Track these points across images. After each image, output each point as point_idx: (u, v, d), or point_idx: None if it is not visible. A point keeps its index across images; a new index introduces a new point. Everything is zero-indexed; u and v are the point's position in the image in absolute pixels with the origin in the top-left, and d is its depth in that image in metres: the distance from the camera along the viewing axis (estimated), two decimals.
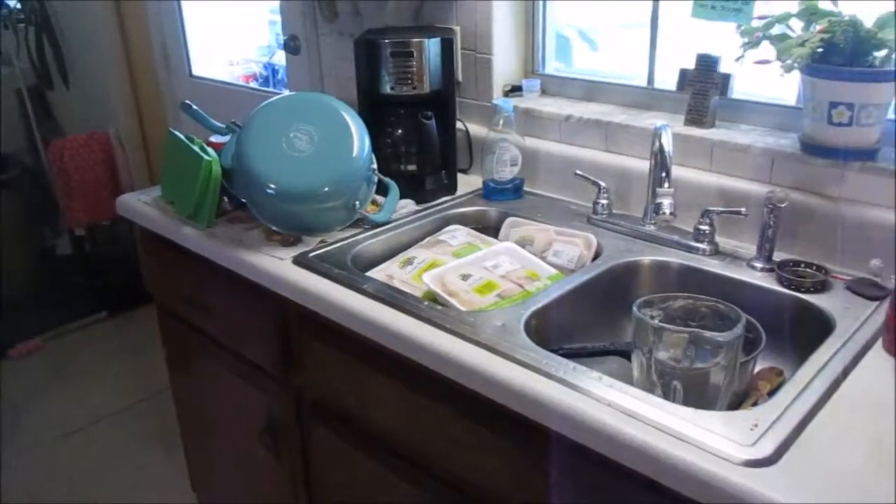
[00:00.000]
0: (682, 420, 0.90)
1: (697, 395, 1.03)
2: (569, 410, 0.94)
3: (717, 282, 1.28)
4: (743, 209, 1.31)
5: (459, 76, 1.78)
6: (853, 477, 0.80)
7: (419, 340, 1.11)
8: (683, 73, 1.48)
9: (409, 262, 1.39)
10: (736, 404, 1.09)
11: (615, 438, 0.89)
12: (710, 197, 1.40)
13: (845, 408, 0.92)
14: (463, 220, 1.58)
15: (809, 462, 0.83)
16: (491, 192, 1.64)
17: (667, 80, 1.57)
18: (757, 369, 1.16)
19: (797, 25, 1.26)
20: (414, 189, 1.62)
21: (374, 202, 1.55)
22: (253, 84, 2.94)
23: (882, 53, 1.19)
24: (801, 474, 0.81)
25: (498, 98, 1.71)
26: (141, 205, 1.68)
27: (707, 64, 1.45)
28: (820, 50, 1.21)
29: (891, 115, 1.26)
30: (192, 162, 1.51)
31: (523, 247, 1.43)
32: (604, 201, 1.50)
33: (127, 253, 3.38)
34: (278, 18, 2.36)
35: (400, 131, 1.64)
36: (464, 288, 1.27)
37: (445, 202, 1.64)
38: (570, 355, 1.11)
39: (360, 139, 1.43)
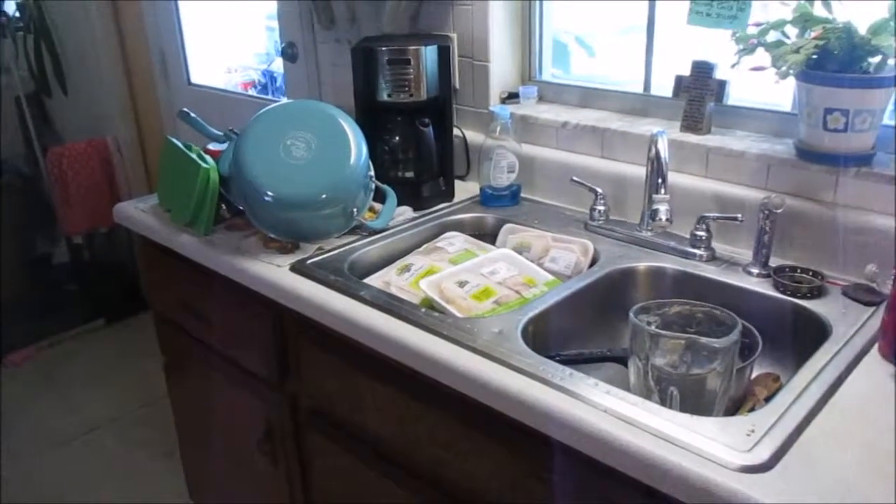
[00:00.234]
0: (678, 426, 0.90)
1: (694, 400, 1.03)
2: (565, 416, 0.94)
3: (714, 288, 1.29)
4: (739, 215, 1.32)
5: (457, 83, 1.78)
6: (850, 482, 0.80)
7: (416, 347, 1.11)
8: (679, 80, 1.49)
9: (407, 268, 1.40)
10: (733, 410, 1.09)
11: (611, 444, 0.89)
12: (707, 203, 1.41)
13: (842, 413, 0.92)
14: (460, 226, 1.59)
15: (806, 467, 0.83)
16: (488, 198, 1.64)
17: (663, 86, 1.57)
18: (753, 375, 1.16)
19: (792, 32, 1.27)
20: (411, 196, 1.62)
21: (371, 209, 1.55)
22: (251, 91, 2.94)
23: (876, 59, 1.20)
24: (798, 480, 0.81)
25: (495, 105, 1.72)
26: (138, 212, 1.68)
27: (703, 70, 1.45)
28: (815, 56, 1.21)
29: (886, 121, 1.27)
30: (190, 169, 1.51)
31: (520, 253, 1.44)
32: (600, 207, 1.50)
33: (124, 260, 3.38)
34: (276, 25, 2.36)
35: (397, 138, 1.64)
36: (461, 294, 1.28)
37: (443, 209, 1.64)
38: (567, 361, 1.11)
39: (357, 146, 1.43)
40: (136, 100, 3.16)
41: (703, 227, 1.35)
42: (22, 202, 3.32)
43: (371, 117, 1.63)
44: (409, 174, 1.65)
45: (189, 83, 2.87)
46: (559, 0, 1.76)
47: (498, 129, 1.60)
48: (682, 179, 1.44)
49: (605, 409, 0.94)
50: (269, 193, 1.38)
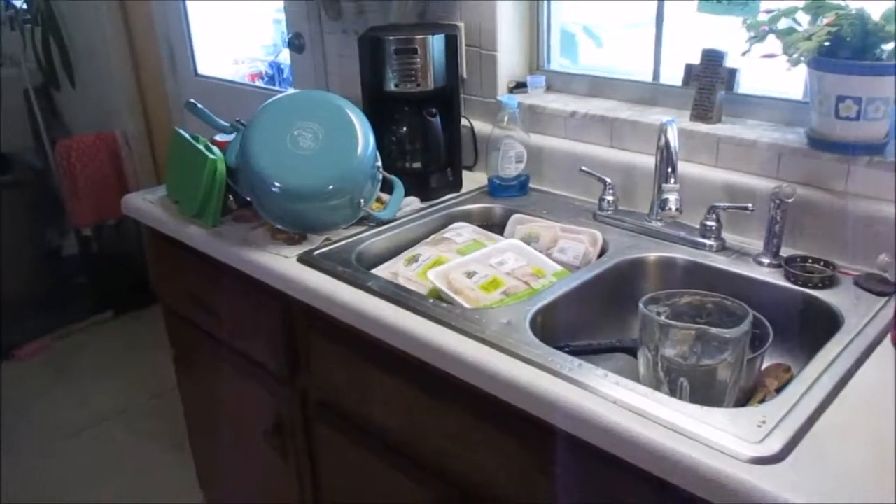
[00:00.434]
0: (688, 417, 0.89)
1: (704, 391, 1.02)
2: (574, 407, 0.93)
3: (724, 278, 1.28)
4: (749, 205, 1.30)
5: (464, 73, 1.77)
6: (862, 474, 0.80)
7: (424, 338, 1.11)
8: (689, 68, 1.47)
9: (414, 259, 1.39)
10: (743, 401, 1.08)
11: (621, 436, 0.89)
12: (717, 192, 1.39)
13: (854, 404, 0.92)
14: (468, 217, 1.58)
15: (818, 459, 0.82)
16: (496, 188, 1.63)
17: (672, 76, 1.56)
18: (764, 366, 1.15)
19: (804, 19, 1.25)
20: (419, 186, 1.61)
21: (378, 200, 1.55)
22: (259, 83, 2.94)
23: (890, 46, 1.18)
24: (810, 472, 0.80)
25: (502, 94, 1.70)
26: (146, 204, 1.68)
27: (713, 59, 1.44)
28: (827, 43, 1.19)
29: None
30: (198, 161, 1.51)
31: (529, 244, 1.43)
32: (609, 197, 1.49)
33: (133, 253, 3.38)
34: (283, 17, 2.36)
35: (405, 129, 1.64)
36: (469, 285, 1.27)
37: (450, 199, 1.64)
38: (576, 352, 1.10)
39: (364, 137, 1.43)
40: (144, 92, 3.16)
41: (714, 216, 1.34)
42: (32, 195, 3.33)
43: (378, 107, 1.62)
44: (417, 165, 1.64)
45: (196, 74, 2.86)
46: None
47: (506, 118, 1.59)
48: (692, 169, 1.43)
49: (614, 400, 0.93)
50: (277, 184, 1.37)
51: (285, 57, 2.65)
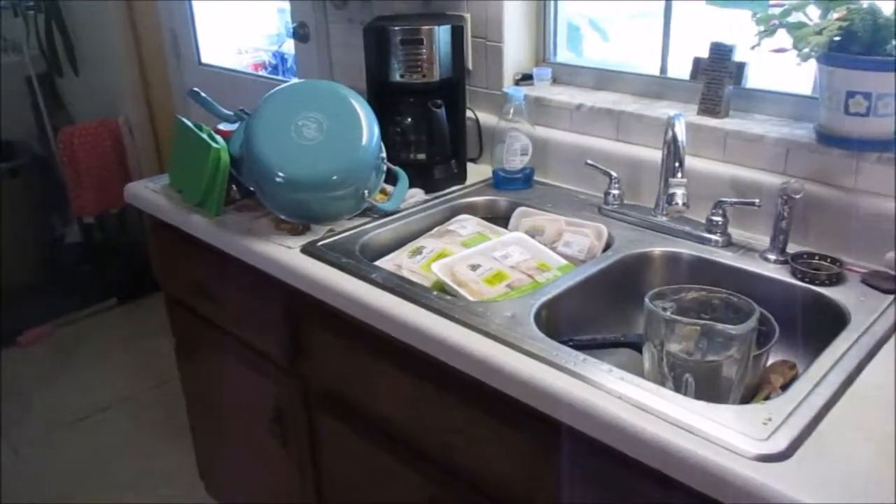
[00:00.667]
0: (693, 413, 0.88)
1: (709, 388, 1.01)
2: (578, 402, 0.93)
3: (730, 274, 1.27)
4: (756, 200, 1.29)
5: (470, 64, 1.76)
6: (869, 473, 0.79)
7: (427, 330, 1.10)
8: (697, 62, 1.46)
9: (418, 251, 1.38)
10: (748, 398, 1.07)
11: (625, 431, 0.88)
12: (723, 187, 1.38)
13: (860, 402, 0.91)
14: (472, 209, 1.57)
15: (824, 457, 0.81)
16: (501, 181, 1.62)
17: (679, 70, 1.55)
18: (770, 363, 1.14)
19: (814, 13, 1.24)
20: (423, 178, 1.61)
21: (382, 191, 1.54)
22: (262, 73, 2.93)
23: None
24: (816, 470, 0.79)
25: (508, 86, 1.69)
26: (149, 192, 1.68)
27: (721, 52, 1.43)
28: (837, 38, 1.18)
29: None
30: (201, 150, 1.50)
31: (533, 237, 1.42)
32: (615, 191, 1.48)
33: (136, 241, 3.38)
34: (287, 6, 2.34)
35: (409, 120, 1.62)
36: (473, 278, 1.26)
37: (455, 191, 1.63)
38: (581, 347, 1.10)
39: (369, 127, 1.42)
40: (148, 80, 3.15)
41: (720, 212, 1.33)
42: (35, 183, 3.33)
43: (383, 98, 1.61)
44: (421, 156, 1.63)
45: (200, 63, 2.85)
46: None
47: (511, 111, 1.58)
48: (699, 163, 1.42)
49: (619, 395, 0.93)
50: (280, 174, 1.36)
51: (289, 47, 2.64)
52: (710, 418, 0.87)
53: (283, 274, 1.35)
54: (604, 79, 1.70)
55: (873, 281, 1.18)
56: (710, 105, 1.44)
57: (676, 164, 1.29)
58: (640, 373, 1.04)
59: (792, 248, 1.26)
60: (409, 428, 1.26)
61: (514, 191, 1.61)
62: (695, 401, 0.92)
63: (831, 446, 0.83)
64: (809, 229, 1.30)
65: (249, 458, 1.77)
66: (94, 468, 2.37)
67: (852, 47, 1.18)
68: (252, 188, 1.48)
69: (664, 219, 1.41)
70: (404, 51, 1.54)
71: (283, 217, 1.45)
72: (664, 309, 1.07)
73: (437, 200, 1.58)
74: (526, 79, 1.74)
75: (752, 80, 1.44)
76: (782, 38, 1.26)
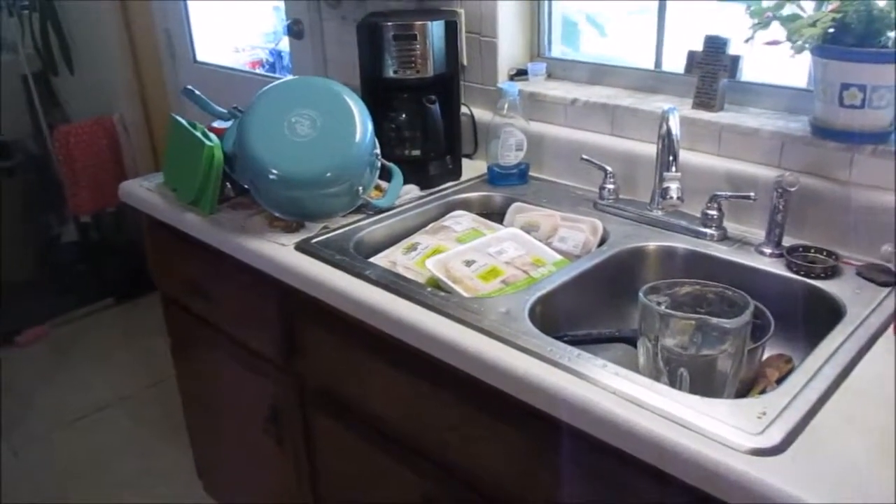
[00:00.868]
0: (688, 408, 0.88)
1: (704, 382, 1.01)
2: (572, 398, 0.92)
3: (726, 267, 1.26)
4: (752, 194, 1.29)
5: (464, 60, 1.76)
6: (863, 466, 0.79)
7: (421, 327, 1.10)
8: (691, 56, 1.46)
9: (413, 248, 1.38)
10: (743, 392, 1.07)
11: (619, 427, 0.88)
12: (719, 181, 1.38)
13: (855, 396, 0.91)
14: (467, 205, 1.57)
15: (818, 451, 0.81)
16: (496, 177, 1.62)
17: (675, 65, 1.54)
18: (765, 356, 1.14)
19: (808, 5, 1.23)
20: (418, 174, 1.60)
21: (377, 187, 1.54)
22: (259, 70, 2.92)
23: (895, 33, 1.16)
24: (810, 464, 0.79)
25: (503, 82, 1.69)
26: (144, 191, 1.67)
27: (715, 46, 1.42)
28: (831, 30, 1.18)
29: None
30: (194, 148, 1.49)
31: (528, 232, 1.42)
32: (610, 186, 1.48)
33: (133, 240, 3.37)
34: (283, 4, 2.33)
35: (404, 116, 1.62)
36: (468, 274, 1.26)
37: (450, 188, 1.62)
38: (576, 342, 1.09)
39: (362, 124, 1.41)
40: (142, 78, 3.14)
41: (715, 206, 1.33)
42: (31, 182, 3.31)
43: (377, 94, 1.60)
44: (416, 152, 1.63)
45: (195, 61, 2.84)
46: None
47: (506, 106, 1.57)
48: (694, 157, 1.41)
49: (613, 390, 0.92)
50: (274, 171, 1.36)
51: (286, 44, 2.62)
52: (704, 413, 0.87)
53: (277, 271, 1.34)
54: (599, 73, 1.69)
55: (869, 273, 1.18)
56: (705, 99, 1.44)
57: (671, 159, 1.29)
58: (635, 368, 1.04)
59: (787, 242, 1.26)
60: (404, 425, 1.25)
61: (510, 186, 1.60)
62: (689, 395, 0.91)
63: (826, 440, 0.83)
64: (805, 222, 1.29)
65: (246, 456, 1.77)
66: (93, 467, 2.36)
67: (846, 39, 1.18)
68: (246, 186, 1.47)
69: (659, 213, 1.40)
70: (397, 46, 1.54)
71: (277, 214, 1.44)
72: (658, 303, 1.06)
73: (431, 196, 1.58)
74: (520, 74, 1.73)
75: (747, 73, 1.43)
76: (777, 30, 1.25)
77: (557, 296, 1.21)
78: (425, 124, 1.59)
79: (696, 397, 0.90)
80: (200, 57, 2.84)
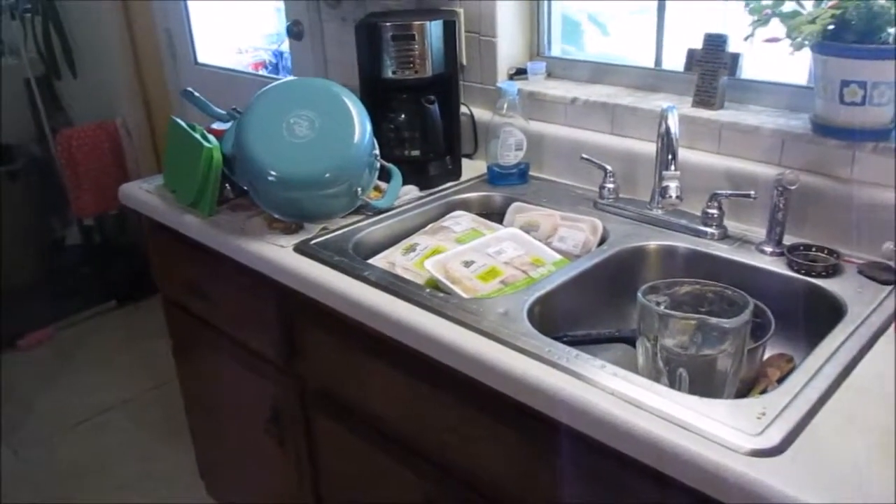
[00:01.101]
0: (686, 409, 0.87)
1: (704, 382, 1.00)
2: (570, 399, 0.92)
3: (726, 266, 1.26)
4: (752, 192, 1.28)
5: (464, 59, 1.75)
6: (864, 467, 0.78)
7: (419, 328, 1.10)
8: (691, 54, 1.45)
9: (412, 248, 1.37)
10: (744, 392, 1.06)
11: (618, 428, 0.87)
12: (719, 180, 1.37)
13: (856, 395, 0.90)
14: (467, 205, 1.56)
15: (818, 452, 0.80)
16: (496, 177, 1.61)
17: (676, 63, 1.53)
18: (766, 356, 1.13)
19: (808, 2, 1.22)
20: (417, 175, 1.60)
21: (376, 188, 1.53)
22: (262, 72, 2.92)
23: None
24: (810, 464, 0.78)
25: (502, 81, 1.68)
26: (144, 193, 1.67)
27: (715, 43, 1.41)
28: (831, 27, 1.17)
29: None
30: (194, 149, 1.49)
31: (528, 232, 1.41)
32: (610, 185, 1.47)
33: (135, 242, 3.38)
34: (283, 5, 2.33)
35: (403, 116, 1.61)
36: (466, 275, 1.25)
37: (449, 188, 1.62)
38: (575, 342, 1.09)
39: (361, 124, 1.41)
40: (144, 80, 3.15)
41: (716, 204, 1.32)
42: (35, 185, 3.32)
43: (376, 95, 1.60)
44: (416, 153, 1.62)
45: (196, 63, 2.84)
46: None
47: (505, 105, 1.57)
48: (694, 156, 1.41)
49: (612, 391, 0.92)
50: (273, 173, 1.36)
51: (288, 45, 2.62)
52: (703, 413, 0.86)
53: (276, 273, 1.34)
54: (599, 72, 1.68)
55: (870, 272, 1.17)
56: (705, 97, 1.43)
57: (670, 157, 1.28)
58: (634, 368, 1.03)
59: (788, 240, 1.25)
60: (404, 426, 1.25)
61: (510, 186, 1.60)
62: (688, 396, 0.91)
63: (826, 440, 0.82)
64: (806, 221, 1.28)
65: (248, 458, 1.76)
66: (95, 470, 2.37)
67: (846, 36, 1.17)
68: (245, 187, 1.47)
69: (659, 212, 1.40)
70: (396, 47, 1.53)
71: (276, 216, 1.44)
72: (658, 304, 1.06)
73: (431, 197, 1.57)
74: (520, 73, 1.72)
75: (748, 71, 1.43)
76: (776, 27, 1.24)
77: (557, 296, 1.20)
78: (424, 124, 1.58)
79: (695, 398, 0.90)
80: (203, 58, 2.84)
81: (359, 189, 1.43)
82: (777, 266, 1.22)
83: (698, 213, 1.34)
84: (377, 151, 1.47)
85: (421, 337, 1.10)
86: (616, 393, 0.91)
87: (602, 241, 1.36)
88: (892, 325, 1.03)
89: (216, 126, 1.62)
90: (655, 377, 1.01)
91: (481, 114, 1.73)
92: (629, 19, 1.77)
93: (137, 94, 3.16)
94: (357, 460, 1.39)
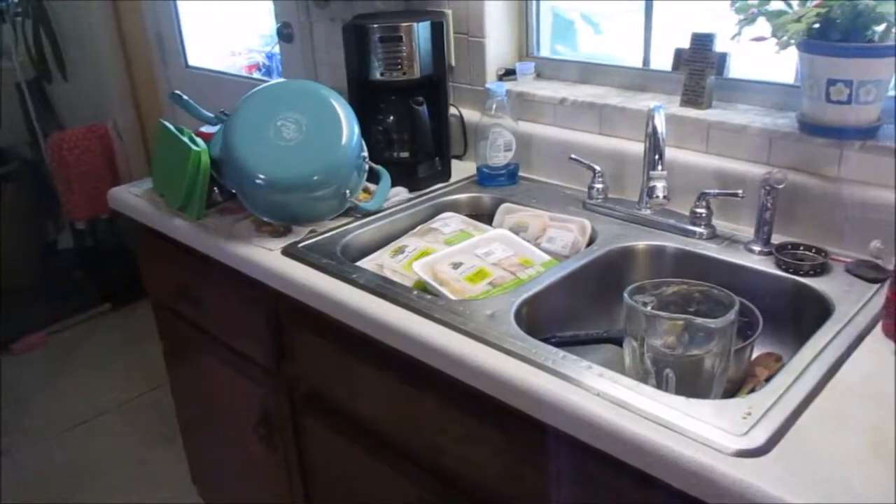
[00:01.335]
0: (672, 409, 0.87)
1: (691, 383, 1.00)
2: (556, 400, 0.92)
3: (714, 266, 1.26)
4: (740, 191, 1.28)
5: (452, 60, 1.75)
6: (849, 467, 0.78)
7: (407, 331, 1.09)
8: (679, 53, 1.45)
9: (401, 250, 1.37)
10: (733, 391, 1.06)
11: (603, 429, 0.87)
12: (707, 179, 1.37)
13: (842, 394, 0.90)
14: (456, 207, 1.56)
15: (804, 452, 0.80)
16: (485, 178, 1.61)
17: (666, 63, 1.53)
18: (755, 355, 1.13)
19: (794, 1, 1.22)
20: (407, 176, 1.59)
21: (365, 190, 1.53)
22: (256, 74, 2.91)
23: (881, 28, 1.15)
24: (795, 464, 0.78)
25: (491, 82, 1.68)
26: (132, 197, 1.67)
27: (702, 43, 1.41)
28: (817, 25, 1.17)
29: (891, 92, 1.22)
30: (181, 153, 1.49)
31: (517, 233, 1.41)
32: (599, 185, 1.47)
33: (128, 245, 3.37)
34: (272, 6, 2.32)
35: (392, 118, 1.61)
36: (455, 276, 1.25)
37: (439, 189, 1.61)
38: (562, 344, 1.09)
39: (349, 126, 1.41)
40: (135, 84, 3.14)
41: (704, 204, 1.32)
42: (27, 189, 3.31)
43: (364, 97, 1.60)
44: (404, 154, 1.62)
45: (187, 66, 2.84)
46: None
47: (494, 106, 1.56)
48: (683, 155, 1.41)
49: (597, 392, 0.91)
50: (260, 176, 1.35)
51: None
52: (688, 414, 0.86)
53: (264, 276, 1.33)
54: (588, 72, 1.68)
55: (858, 270, 1.17)
56: (693, 96, 1.43)
57: (657, 157, 1.28)
58: (623, 369, 1.03)
59: (776, 239, 1.25)
60: (393, 430, 1.24)
61: (499, 187, 1.60)
62: (674, 396, 0.90)
63: (811, 440, 0.82)
64: (794, 220, 1.28)
65: (239, 461, 1.76)
66: (90, 473, 2.36)
67: (832, 34, 1.17)
68: (233, 190, 1.47)
69: (648, 212, 1.39)
70: (384, 48, 1.53)
71: (264, 219, 1.43)
72: (645, 304, 1.05)
73: (420, 199, 1.57)
74: (509, 74, 1.72)
75: (735, 70, 1.43)
76: (763, 26, 1.24)
77: (545, 297, 1.20)
78: (413, 126, 1.58)
79: (681, 398, 0.89)
80: (196, 61, 2.83)
81: (347, 191, 1.42)
82: (765, 265, 1.22)
83: (687, 213, 1.34)
84: (365, 153, 1.47)
85: (407, 339, 1.09)
86: (602, 394, 0.91)
87: (591, 242, 1.36)
88: (879, 324, 1.03)
89: (204, 129, 1.61)
90: (643, 378, 1.01)
91: (470, 115, 1.73)
92: (623, 18, 1.76)
93: (128, 97, 3.15)
94: (346, 463, 1.39)
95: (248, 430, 1.58)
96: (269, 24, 2.86)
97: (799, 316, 1.16)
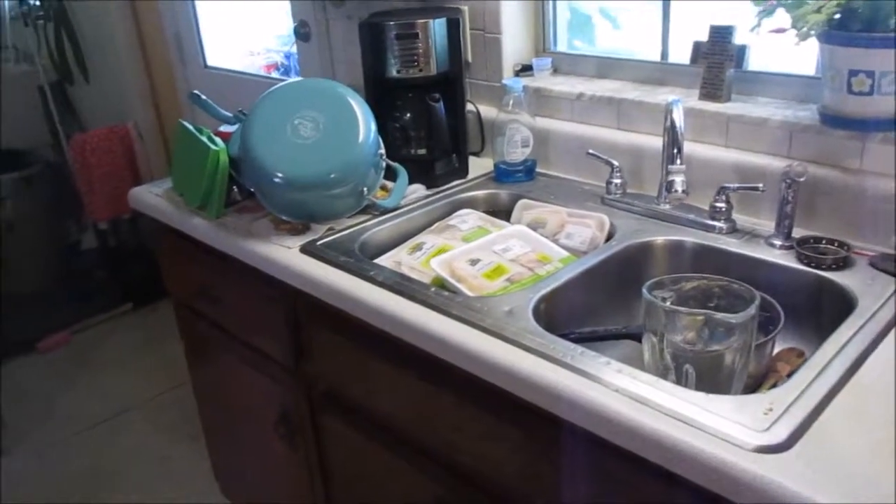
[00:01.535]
0: (692, 405, 0.87)
1: (711, 378, 0.99)
2: (575, 397, 0.91)
3: (735, 261, 1.24)
4: (760, 185, 1.27)
5: (468, 57, 1.74)
6: (872, 463, 0.77)
7: (424, 327, 1.09)
8: (697, 46, 1.43)
9: (418, 247, 1.37)
10: (754, 387, 1.05)
11: (622, 425, 0.87)
12: (727, 173, 1.36)
13: (865, 390, 0.88)
14: (474, 203, 1.55)
15: (826, 448, 0.79)
16: (502, 174, 1.61)
17: (684, 56, 1.51)
18: (777, 350, 1.12)
19: None
20: (424, 174, 1.59)
21: (383, 188, 1.53)
22: (274, 74, 2.92)
23: None
24: (817, 460, 0.77)
25: (508, 78, 1.67)
26: (152, 197, 1.68)
27: (721, 35, 1.40)
28: (837, 16, 1.15)
29: None
30: (201, 152, 1.50)
31: (535, 229, 1.40)
32: (617, 181, 1.46)
33: (149, 245, 3.40)
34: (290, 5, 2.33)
35: (408, 115, 1.61)
36: (472, 273, 1.25)
37: (456, 186, 1.61)
38: (581, 340, 1.08)
39: (366, 124, 1.41)
40: (155, 84, 3.17)
41: (723, 198, 1.31)
42: (50, 190, 3.36)
43: (381, 94, 1.60)
44: (422, 151, 1.62)
45: (205, 66, 2.86)
46: None
47: (511, 102, 1.56)
48: (702, 149, 1.39)
49: (616, 388, 0.91)
50: (278, 175, 1.36)
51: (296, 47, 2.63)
52: (709, 410, 0.86)
53: (282, 274, 1.34)
54: (605, 67, 1.67)
55: (882, 264, 1.15)
56: (712, 89, 1.41)
57: (675, 151, 1.27)
58: (642, 365, 1.02)
59: (798, 233, 1.24)
60: (412, 426, 1.25)
61: (516, 183, 1.59)
62: (694, 392, 0.90)
63: (832, 437, 0.81)
64: (815, 213, 1.27)
65: (260, 459, 1.77)
66: (113, 471, 2.39)
67: (853, 25, 1.15)
68: (252, 189, 1.47)
69: (667, 207, 1.38)
70: (400, 45, 1.53)
71: (283, 217, 1.44)
72: (664, 299, 1.05)
73: (437, 195, 1.57)
74: (526, 69, 1.71)
75: (754, 62, 1.41)
76: (782, 18, 1.23)
77: (563, 293, 1.19)
78: (430, 123, 1.58)
79: (701, 394, 0.89)
80: (215, 61, 2.85)
81: (365, 189, 1.43)
82: (786, 259, 1.20)
83: (706, 207, 1.33)
84: (383, 151, 1.47)
85: (425, 336, 1.09)
86: (621, 390, 0.91)
87: (609, 237, 1.35)
88: None
89: (223, 129, 1.62)
90: (662, 373, 1.00)
91: (487, 111, 1.72)
92: (641, 12, 1.75)
93: (148, 97, 3.18)
94: (365, 460, 1.39)
95: (269, 428, 1.59)
96: (287, 24, 2.88)
97: (821, 311, 1.14)
